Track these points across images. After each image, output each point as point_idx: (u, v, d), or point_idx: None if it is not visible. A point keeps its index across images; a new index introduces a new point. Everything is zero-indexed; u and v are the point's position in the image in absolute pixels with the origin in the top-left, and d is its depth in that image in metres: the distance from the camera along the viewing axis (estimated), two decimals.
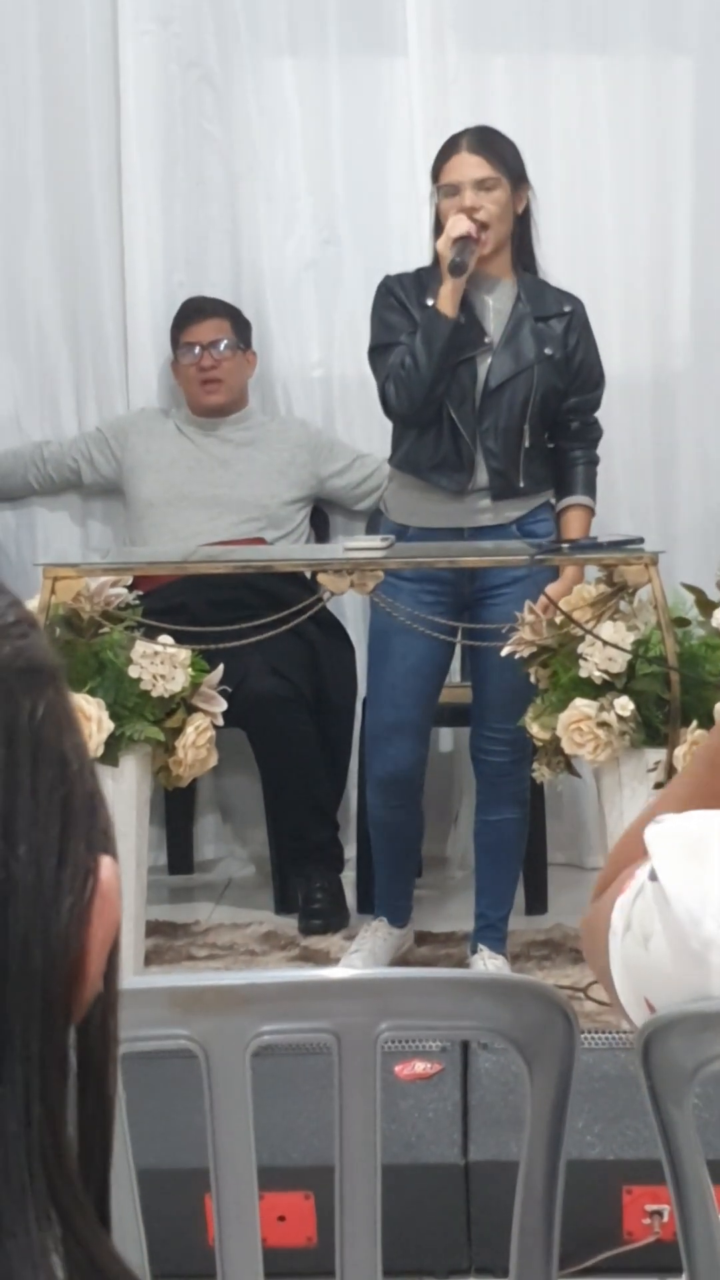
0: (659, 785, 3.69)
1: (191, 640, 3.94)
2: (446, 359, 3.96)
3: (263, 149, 4.96)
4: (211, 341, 4.81)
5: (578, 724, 3.74)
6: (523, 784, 4.12)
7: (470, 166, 4.00)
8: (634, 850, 1.42)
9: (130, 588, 3.99)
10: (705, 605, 3.84)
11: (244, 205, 4.99)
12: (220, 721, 3.94)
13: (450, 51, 4.91)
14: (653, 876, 1.32)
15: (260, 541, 4.70)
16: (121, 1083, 1.46)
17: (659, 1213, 2.91)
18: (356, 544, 4.01)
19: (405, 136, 4.89)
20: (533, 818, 4.45)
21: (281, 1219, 2.90)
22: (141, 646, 3.86)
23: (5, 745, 0.72)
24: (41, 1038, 0.72)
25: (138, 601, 3.98)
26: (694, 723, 3.72)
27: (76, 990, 0.74)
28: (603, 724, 3.72)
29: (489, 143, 4.05)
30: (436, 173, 4.07)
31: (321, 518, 4.99)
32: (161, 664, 3.85)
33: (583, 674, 3.77)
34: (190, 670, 3.89)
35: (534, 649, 3.88)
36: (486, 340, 4.03)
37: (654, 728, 3.74)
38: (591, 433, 4.18)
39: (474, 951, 4.15)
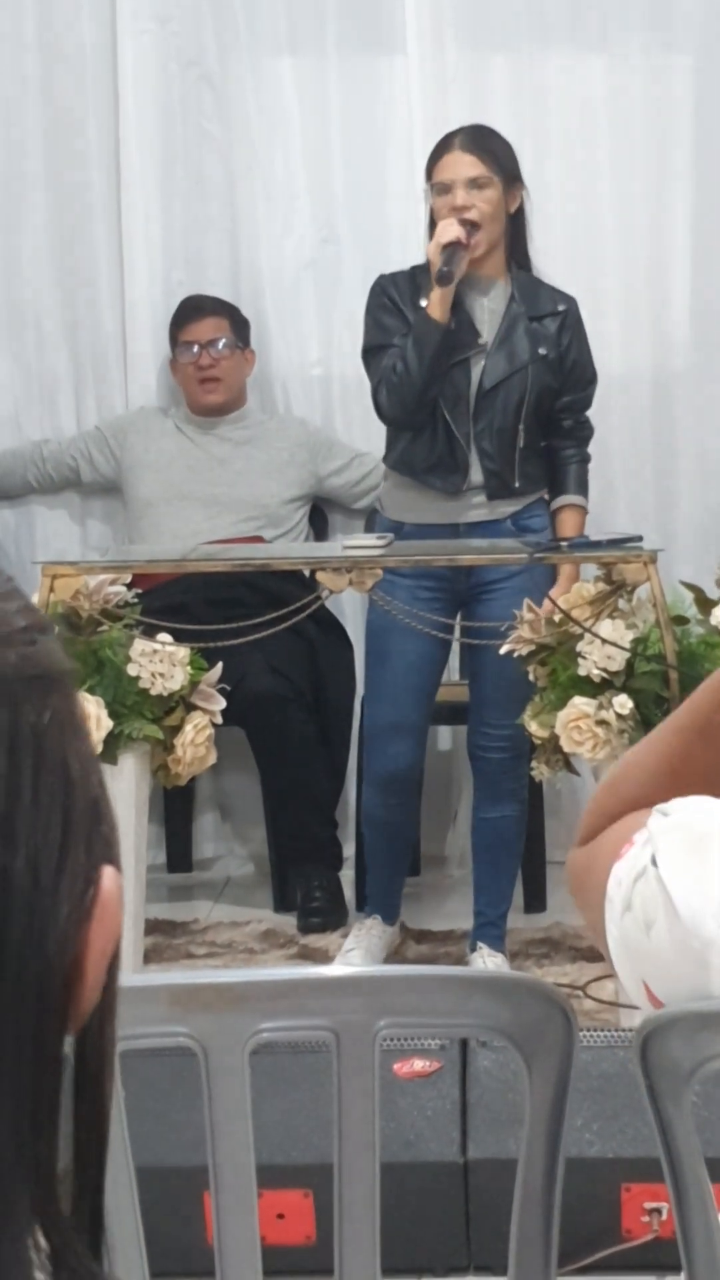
0: None
1: (190, 639, 3.94)
2: (438, 365, 3.97)
3: (262, 148, 4.96)
4: (210, 340, 4.81)
5: (576, 722, 3.74)
6: (520, 781, 4.12)
7: (463, 165, 4.00)
8: (614, 803, 1.42)
9: (129, 586, 3.99)
10: (704, 603, 3.84)
11: (243, 204, 4.99)
12: (219, 720, 3.94)
13: (449, 50, 4.91)
14: (654, 863, 1.32)
15: (259, 540, 4.70)
16: (120, 1080, 1.47)
17: (657, 1210, 2.91)
18: (355, 542, 4.01)
19: (404, 135, 4.89)
20: (531, 816, 4.45)
21: (280, 1217, 2.90)
22: (140, 645, 3.86)
23: (7, 753, 0.71)
24: (34, 1047, 0.72)
25: (136, 600, 3.98)
26: None
27: (73, 1000, 0.73)
28: (601, 722, 3.72)
29: (482, 142, 4.05)
30: (430, 171, 4.07)
31: (320, 516, 5.00)
32: (160, 662, 3.85)
33: (581, 672, 3.77)
34: (189, 669, 3.90)
35: (533, 647, 3.88)
36: (481, 342, 4.03)
37: (653, 726, 3.74)
38: (583, 430, 4.19)
39: (473, 950, 4.16)
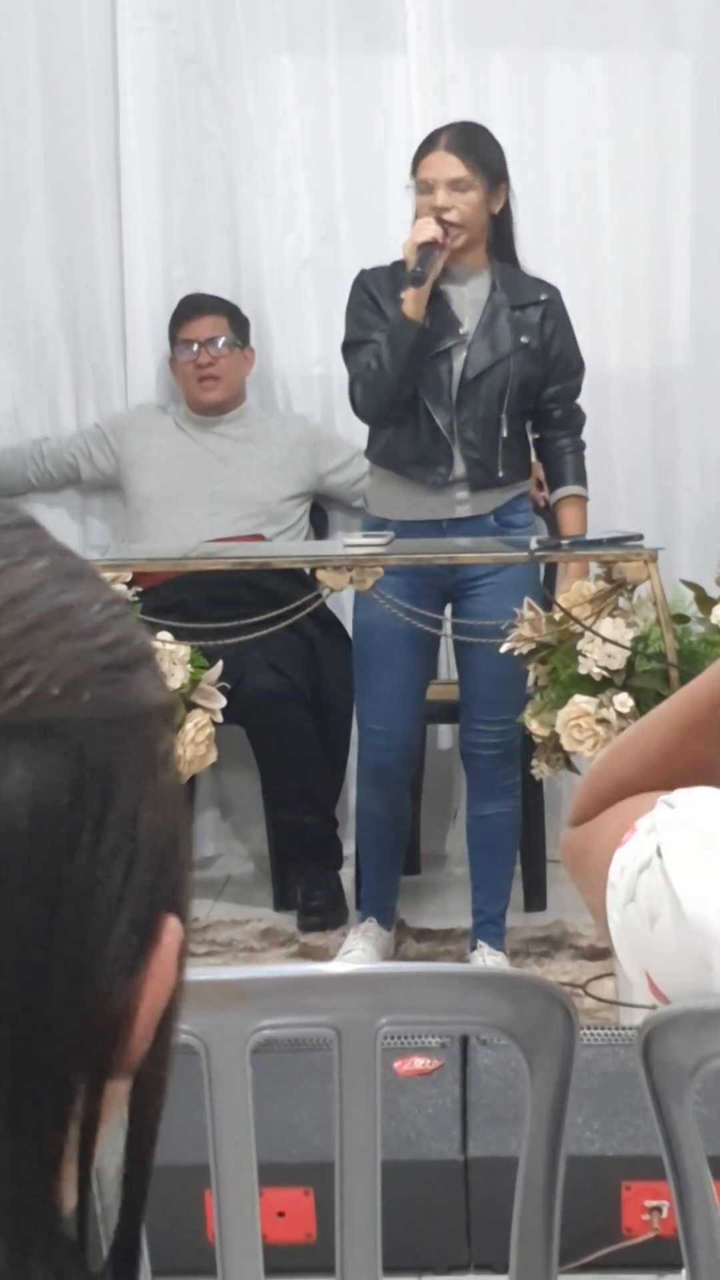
0: None
1: (190, 637, 3.94)
2: (413, 362, 3.97)
3: (261, 146, 4.96)
4: (209, 339, 4.81)
5: (577, 720, 3.74)
6: (514, 777, 4.13)
7: (445, 166, 3.99)
8: (606, 785, 1.42)
9: (129, 584, 3.99)
10: (704, 602, 3.83)
11: (242, 202, 4.99)
12: (219, 718, 3.94)
13: (449, 48, 4.91)
14: (659, 854, 1.32)
15: (259, 538, 4.70)
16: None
17: (658, 1209, 2.91)
18: (356, 540, 4.01)
19: (404, 134, 4.88)
20: (531, 814, 4.45)
21: (281, 1215, 2.90)
22: None
23: (67, 804, 0.68)
24: (63, 1097, 0.69)
25: (136, 598, 3.98)
26: None
27: (118, 1051, 0.71)
28: (602, 720, 3.72)
29: (467, 142, 4.03)
30: (414, 167, 4.06)
31: (320, 514, 4.99)
32: (160, 660, 3.84)
33: (582, 670, 3.77)
34: (189, 667, 3.89)
35: (533, 645, 3.88)
36: (462, 332, 4.03)
37: None
38: (574, 419, 4.18)
39: (473, 948, 4.16)
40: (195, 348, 4.81)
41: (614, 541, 3.96)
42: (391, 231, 4.85)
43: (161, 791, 0.72)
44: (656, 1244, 2.90)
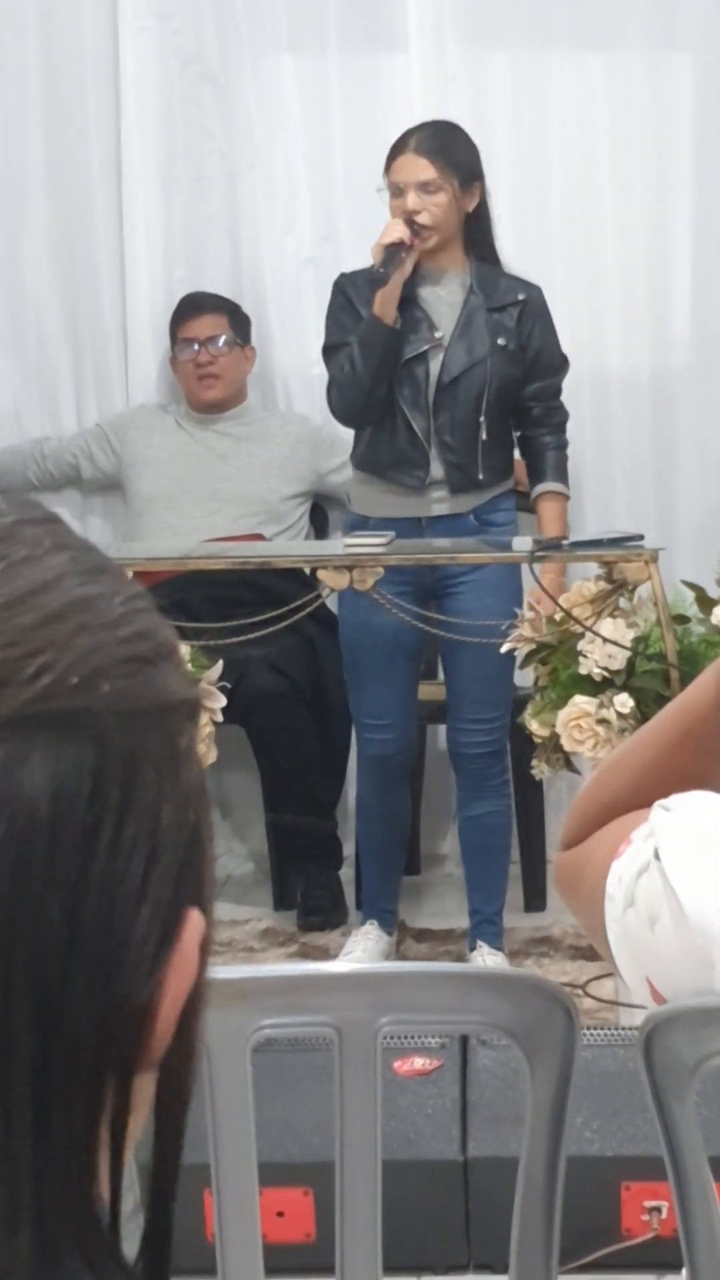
0: None
1: (190, 636, 3.94)
2: (384, 364, 3.98)
3: (262, 146, 4.96)
4: (209, 337, 4.81)
5: (577, 721, 3.74)
6: (503, 776, 4.13)
7: (415, 169, 3.99)
8: (596, 808, 1.42)
9: None
10: (705, 602, 3.83)
11: (244, 202, 4.99)
12: (219, 718, 3.94)
13: (450, 48, 4.91)
14: (657, 857, 1.32)
15: (259, 537, 4.70)
16: None
17: (658, 1209, 2.91)
18: (356, 540, 4.01)
19: None
20: (531, 815, 4.45)
21: (280, 1215, 2.90)
22: None
23: (89, 795, 0.67)
24: (92, 1092, 0.70)
25: None
26: None
27: (142, 1044, 0.71)
28: (602, 721, 3.72)
29: (438, 143, 4.02)
30: (386, 168, 4.06)
31: (321, 514, 4.99)
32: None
33: (582, 671, 3.77)
34: (190, 666, 3.90)
35: (533, 646, 3.88)
36: (437, 335, 4.03)
37: None
38: (555, 417, 4.17)
39: (472, 949, 4.16)
40: (195, 346, 4.81)
41: (615, 542, 3.96)
42: None
43: (184, 785, 0.72)
44: (656, 1244, 2.90)
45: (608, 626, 3.77)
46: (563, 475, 4.17)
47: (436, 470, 4.04)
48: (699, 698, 1.41)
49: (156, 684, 0.71)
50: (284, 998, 1.49)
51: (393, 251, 3.92)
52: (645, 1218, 2.93)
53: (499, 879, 4.19)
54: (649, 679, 3.73)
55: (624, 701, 3.71)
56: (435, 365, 4.02)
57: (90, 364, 5.03)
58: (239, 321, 4.87)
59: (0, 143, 4.96)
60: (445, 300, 4.05)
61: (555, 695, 3.82)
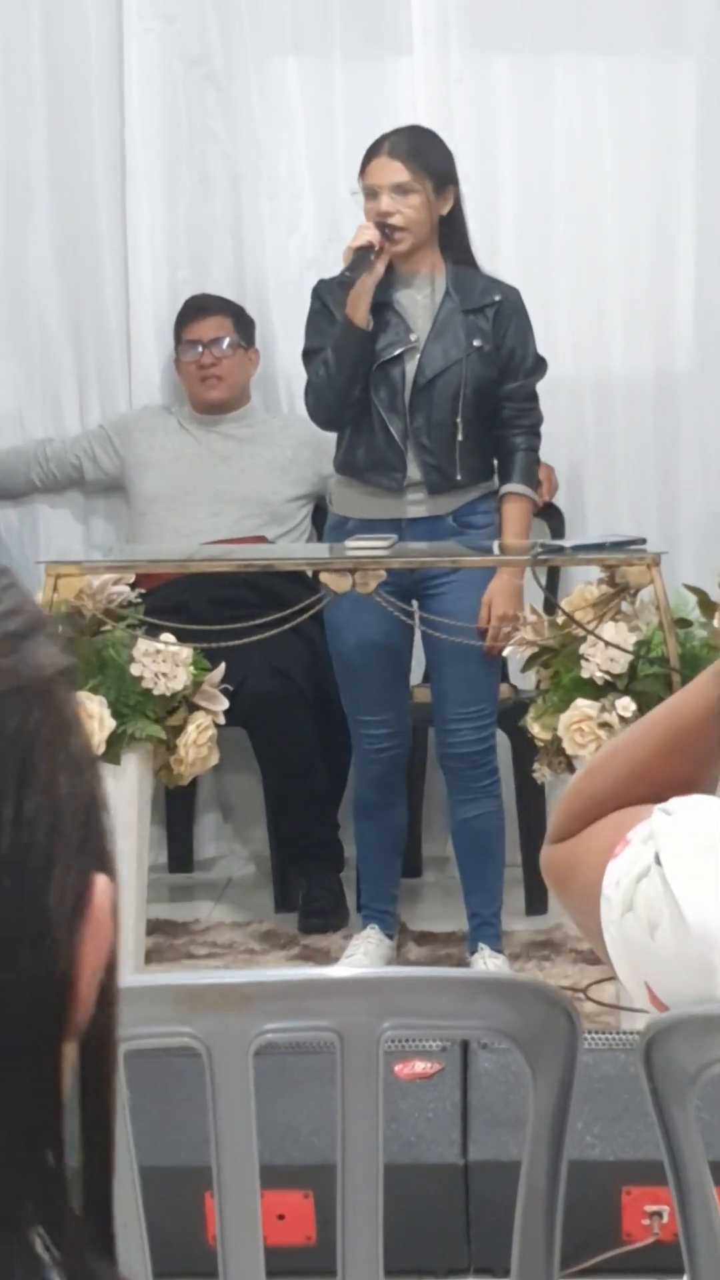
0: None
1: (193, 638, 3.94)
2: (358, 366, 4.00)
3: (266, 147, 4.96)
4: (212, 340, 4.81)
5: (579, 724, 3.74)
6: (492, 776, 4.14)
7: (389, 171, 4.01)
8: (583, 805, 1.42)
9: (132, 585, 3.99)
10: (707, 606, 3.84)
11: (247, 203, 4.99)
12: (221, 720, 3.95)
13: (454, 51, 4.91)
14: (658, 862, 1.32)
15: (262, 539, 4.70)
16: (124, 1080, 1.47)
17: (658, 1214, 2.91)
18: (359, 543, 4.01)
19: None
20: (534, 818, 4.45)
21: (281, 1218, 2.90)
22: (143, 644, 3.86)
23: None
24: (29, 1058, 0.71)
25: (139, 599, 3.99)
26: None
27: (69, 1010, 0.72)
28: (604, 724, 3.72)
29: (412, 146, 4.04)
30: (361, 171, 4.09)
31: (323, 516, 4.99)
32: (163, 662, 3.85)
33: (584, 674, 3.77)
34: (192, 669, 3.90)
35: (535, 649, 3.88)
36: (413, 338, 4.04)
37: None
38: (528, 419, 4.15)
39: (473, 952, 4.16)
40: (199, 348, 4.81)
41: (617, 545, 3.96)
42: None
43: (75, 753, 0.73)
44: (656, 1249, 2.90)
45: (610, 630, 3.77)
46: (529, 478, 4.15)
47: (414, 472, 4.05)
48: (693, 705, 1.41)
49: (35, 659, 0.72)
50: (286, 1002, 1.49)
51: (362, 254, 3.95)
52: (646, 1222, 2.93)
53: (496, 881, 4.19)
54: (651, 682, 3.74)
55: (626, 705, 3.71)
56: (411, 367, 4.04)
57: (93, 365, 5.03)
58: (243, 323, 4.87)
59: (5, 143, 4.96)
60: (420, 303, 4.07)
61: (557, 698, 3.82)
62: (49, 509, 5.07)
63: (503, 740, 4.61)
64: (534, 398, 4.14)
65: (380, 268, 3.97)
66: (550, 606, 4.05)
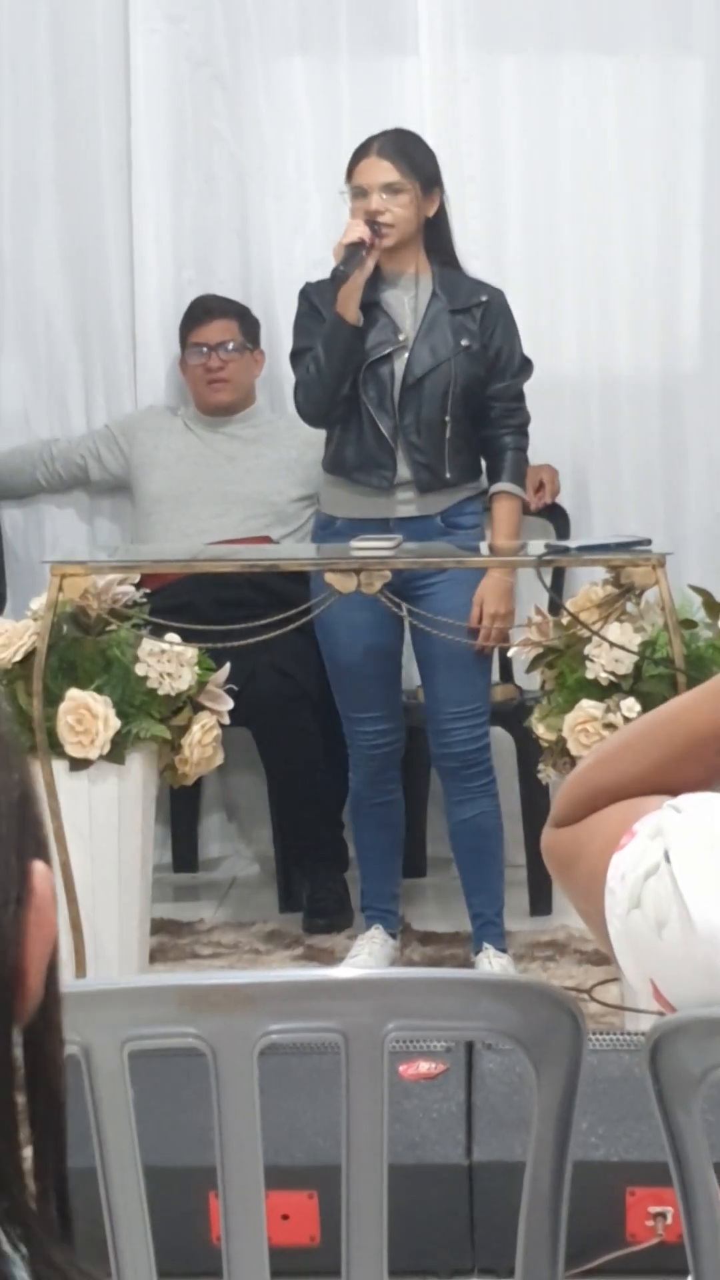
0: None
1: (198, 639, 3.95)
2: (348, 363, 4.02)
3: (272, 148, 4.97)
4: (219, 343, 4.81)
5: (584, 725, 3.74)
6: (488, 775, 4.14)
7: (378, 171, 4.05)
8: (588, 792, 1.42)
9: (137, 585, 3.99)
10: (713, 607, 3.84)
11: (253, 204, 4.99)
12: (226, 720, 3.95)
13: (460, 51, 4.92)
14: (666, 859, 1.31)
15: (267, 539, 4.70)
16: (129, 1080, 1.47)
17: (662, 1215, 2.91)
18: (364, 543, 4.01)
19: None
20: (538, 819, 4.44)
21: (285, 1218, 2.90)
22: (148, 645, 3.87)
23: None
24: None
25: (144, 599, 3.99)
26: None
27: (15, 1002, 0.72)
28: (609, 725, 3.72)
29: (400, 147, 4.09)
30: (349, 174, 4.12)
31: None
32: (168, 662, 3.85)
33: (589, 675, 3.77)
34: (197, 669, 3.90)
35: (540, 650, 3.88)
36: (401, 338, 4.06)
37: None
38: (515, 418, 4.17)
39: (478, 951, 4.15)
40: (205, 351, 4.81)
41: (622, 546, 3.96)
42: None
43: (3, 745, 0.73)
44: (660, 1250, 2.90)
45: (615, 631, 3.77)
46: (518, 477, 4.18)
47: (404, 471, 4.07)
48: (704, 724, 1.41)
49: None
50: (290, 1003, 1.49)
51: (354, 250, 3.98)
52: (650, 1223, 2.93)
53: (496, 880, 4.19)
54: (656, 683, 3.74)
55: (631, 706, 3.71)
56: (400, 366, 4.06)
57: (99, 366, 5.03)
58: (248, 325, 4.88)
59: (11, 144, 4.96)
60: (408, 303, 4.10)
61: (562, 699, 3.82)
62: (54, 509, 5.07)
63: (507, 741, 4.61)
64: (521, 397, 4.17)
65: (370, 264, 4.01)
66: (555, 607, 4.05)
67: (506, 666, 4.72)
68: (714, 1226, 1.40)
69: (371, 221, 4.01)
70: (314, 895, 4.56)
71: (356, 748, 4.23)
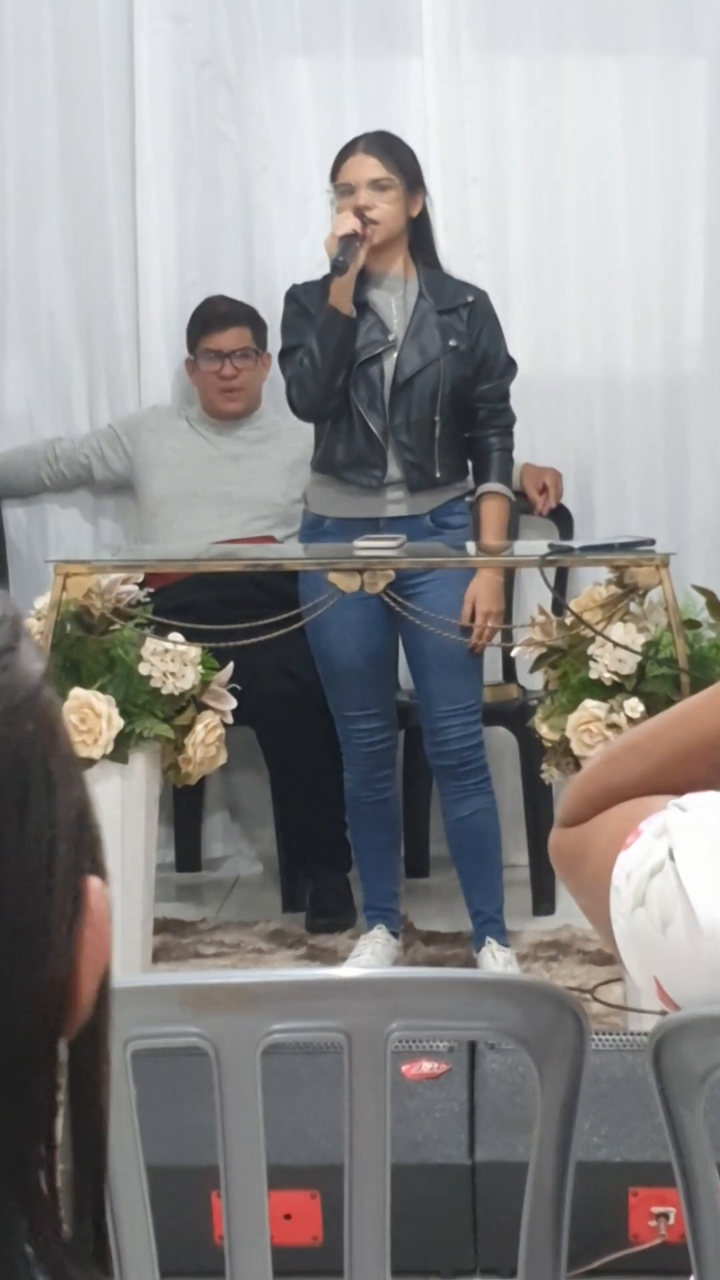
0: None
1: (201, 638, 3.95)
2: (343, 354, 4.03)
3: (276, 148, 4.97)
4: (234, 351, 4.81)
5: (587, 725, 3.74)
6: (483, 773, 4.14)
7: (366, 168, 4.07)
8: (597, 791, 1.42)
9: (141, 585, 4.00)
10: (716, 607, 3.83)
11: (257, 204, 4.99)
12: (230, 720, 3.95)
13: (465, 52, 4.92)
14: (671, 858, 1.31)
15: (271, 539, 4.71)
16: (131, 1079, 1.47)
17: (665, 1215, 2.90)
18: (367, 543, 4.01)
19: (419, 137, 4.87)
20: (541, 819, 4.45)
21: (287, 1217, 2.90)
22: (152, 644, 3.87)
23: None
24: (27, 1068, 0.70)
25: (148, 599, 3.99)
26: None
27: (67, 1015, 0.72)
28: (612, 725, 3.72)
29: (385, 146, 4.13)
30: (334, 173, 4.14)
31: None
32: (172, 662, 3.85)
33: (593, 675, 3.77)
34: (200, 668, 3.90)
35: (544, 650, 3.88)
36: (391, 338, 4.07)
37: None
38: (501, 419, 4.19)
39: (480, 947, 4.15)
40: (220, 360, 4.80)
41: (626, 546, 3.96)
42: None
43: (66, 758, 0.72)
44: (663, 1250, 2.90)
45: (618, 631, 3.77)
46: (506, 477, 4.20)
47: (394, 470, 4.08)
48: (718, 721, 1.41)
49: (23, 667, 0.70)
50: (294, 1002, 1.49)
51: (348, 241, 3.99)
52: (653, 1223, 2.93)
53: (495, 878, 4.19)
54: (659, 684, 3.74)
55: (634, 706, 3.71)
56: (389, 366, 4.07)
57: (103, 365, 5.03)
58: (259, 330, 4.88)
59: (16, 144, 4.96)
60: (395, 303, 4.12)
61: (565, 699, 3.82)
62: (58, 508, 5.07)
63: (510, 741, 4.61)
64: (507, 398, 4.19)
65: (361, 257, 4.01)
66: (559, 607, 4.05)
67: (510, 666, 4.72)
68: (717, 1227, 1.40)
69: (360, 216, 4.02)
70: (317, 895, 4.56)
71: (350, 747, 4.23)
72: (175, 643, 3.88)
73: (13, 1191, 0.70)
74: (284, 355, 4.18)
